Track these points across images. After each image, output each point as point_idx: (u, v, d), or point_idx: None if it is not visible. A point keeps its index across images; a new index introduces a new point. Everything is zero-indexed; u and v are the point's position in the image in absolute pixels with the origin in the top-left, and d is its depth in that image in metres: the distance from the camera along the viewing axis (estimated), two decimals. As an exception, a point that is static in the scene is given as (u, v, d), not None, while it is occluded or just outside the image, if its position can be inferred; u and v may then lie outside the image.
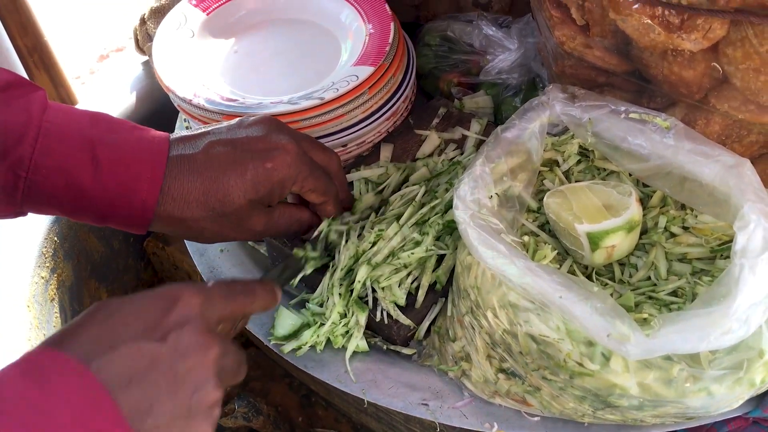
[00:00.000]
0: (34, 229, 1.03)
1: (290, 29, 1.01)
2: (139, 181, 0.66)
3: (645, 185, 0.78)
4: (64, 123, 0.65)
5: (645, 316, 0.66)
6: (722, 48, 0.64)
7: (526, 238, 0.72)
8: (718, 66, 0.65)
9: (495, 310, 0.66)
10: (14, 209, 0.66)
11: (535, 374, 0.67)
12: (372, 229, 0.79)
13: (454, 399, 0.74)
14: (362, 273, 0.76)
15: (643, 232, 0.75)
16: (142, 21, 1.18)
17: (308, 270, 0.76)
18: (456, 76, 1.04)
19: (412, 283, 0.78)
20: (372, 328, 0.79)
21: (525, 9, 0.97)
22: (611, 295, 0.69)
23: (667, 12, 0.63)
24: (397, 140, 0.93)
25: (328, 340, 0.77)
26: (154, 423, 0.49)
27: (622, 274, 0.74)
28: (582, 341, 0.62)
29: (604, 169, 0.80)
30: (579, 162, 0.81)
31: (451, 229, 0.79)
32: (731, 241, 0.68)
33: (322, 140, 0.86)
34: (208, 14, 0.99)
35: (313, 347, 0.77)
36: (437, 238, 0.79)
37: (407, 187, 0.85)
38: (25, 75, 1.18)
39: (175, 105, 0.94)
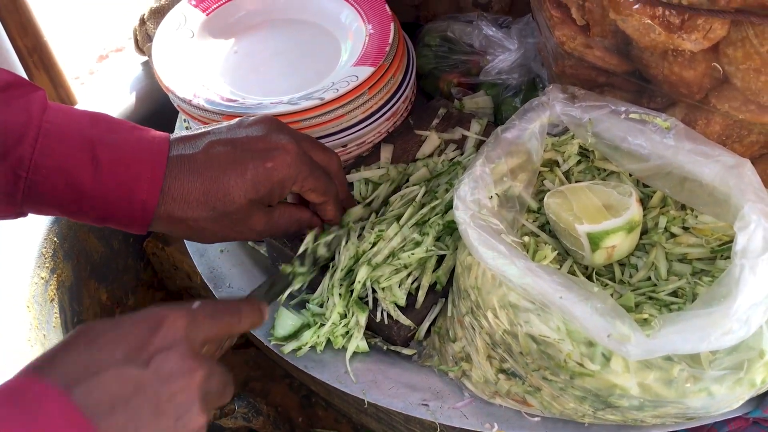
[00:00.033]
0: (33, 229, 1.03)
1: (290, 29, 1.01)
2: (139, 182, 0.66)
3: (645, 185, 0.78)
4: (64, 123, 0.65)
5: (645, 316, 0.66)
6: (723, 48, 0.64)
7: (526, 238, 0.72)
8: (718, 66, 0.65)
9: (495, 311, 0.66)
10: (14, 210, 0.66)
11: (536, 374, 0.67)
12: (372, 229, 0.79)
13: (454, 399, 0.74)
14: (362, 273, 0.76)
15: (644, 232, 0.75)
16: (142, 21, 1.18)
17: (296, 285, 0.75)
18: (456, 76, 1.04)
19: (412, 283, 0.78)
20: (372, 329, 0.79)
21: (525, 9, 0.97)
22: (611, 295, 0.69)
23: (667, 12, 0.63)
24: (397, 141, 0.93)
25: (329, 341, 0.77)
26: None
27: (623, 274, 0.74)
28: (582, 341, 0.62)
29: (605, 170, 0.80)
30: (579, 162, 0.81)
31: (451, 229, 0.79)
32: (731, 241, 0.68)
33: (322, 140, 0.86)
34: (207, 14, 0.99)
35: (313, 348, 0.77)
36: (437, 239, 0.79)
37: (407, 187, 0.85)
38: (24, 75, 1.18)
39: (175, 105, 0.94)
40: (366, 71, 0.87)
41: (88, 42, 1.84)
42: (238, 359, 1.22)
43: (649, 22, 0.64)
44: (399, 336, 0.77)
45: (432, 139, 0.92)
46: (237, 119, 0.73)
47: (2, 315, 0.94)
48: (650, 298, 0.70)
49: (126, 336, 0.52)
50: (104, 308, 1.15)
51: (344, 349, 0.77)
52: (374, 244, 0.78)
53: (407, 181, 0.88)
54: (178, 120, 1.07)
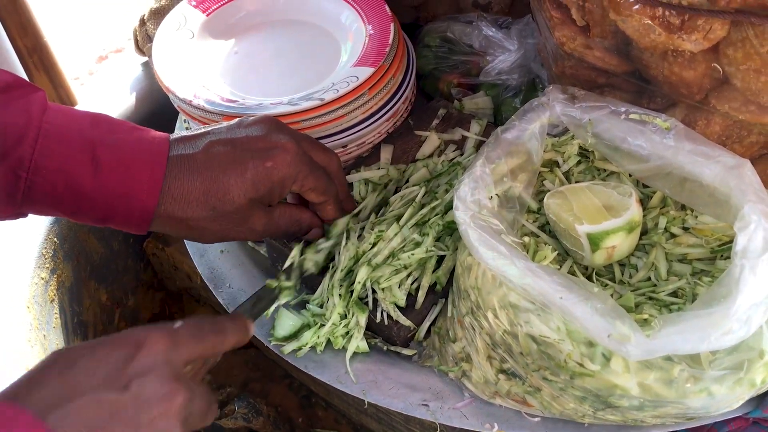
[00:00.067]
0: (33, 230, 1.03)
1: (290, 30, 1.01)
2: (139, 182, 0.66)
3: (645, 186, 0.78)
4: (64, 124, 0.65)
5: (645, 316, 0.66)
6: (723, 48, 0.64)
7: (526, 238, 0.72)
8: (718, 67, 0.65)
9: (495, 311, 0.66)
10: (14, 210, 0.66)
11: (536, 375, 0.67)
12: (372, 230, 0.79)
13: (454, 400, 0.74)
14: (362, 274, 0.76)
15: (644, 232, 0.75)
16: (142, 22, 1.17)
17: (282, 300, 0.75)
18: (456, 77, 1.04)
19: (412, 284, 0.78)
20: (372, 329, 0.79)
21: (525, 10, 0.97)
22: (611, 295, 0.70)
23: (667, 13, 0.63)
24: (397, 141, 0.93)
25: (329, 341, 0.77)
26: None
27: (623, 274, 0.74)
28: (582, 342, 0.62)
29: (604, 170, 0.80)
30: (579, 163, 0.81)
31: (451, 230, 0.79)
32: (731, 241, 0.68)
33: (322, 141, 0.86)
34: (207, 15, 0.99)
35: (313, 348, 0.77)
36: (437, 239, 0.79)
37: (407, 188, 0.85)
38: (24, 76, 1.18)
39: (175, 106, 0.94)
40: (366, 72, 0.87)
41: (88, 43, 1.84)
42: (238, 359, 1.22)
43: (649, 22, 0.64)
44: (399, 336, 0.77)
45: (432, 140, 0.92)
46: (236, 119, 0.73)
47: (2, 315, 0.94)
48: (650, 298, 0.70)
49: (103, 360, 0.51)
50: (104, 309, 1.15)
51: (344, 349, 0.77)
52: (374, 245, 0.78)
53: (407, 181, 0.88)
54: (178, 121, 1.07)
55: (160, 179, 0.66)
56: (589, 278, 0.73)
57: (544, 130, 0.76)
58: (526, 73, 0.99)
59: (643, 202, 0.77)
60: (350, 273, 0.78)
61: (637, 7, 0.64)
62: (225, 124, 0.72)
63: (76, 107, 1.05)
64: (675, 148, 0.69)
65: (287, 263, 0.76)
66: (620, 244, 0.70)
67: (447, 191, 0.83)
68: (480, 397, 0.73)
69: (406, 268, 0.77)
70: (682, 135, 0.69)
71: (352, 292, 0.76)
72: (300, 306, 0.82)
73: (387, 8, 0.95)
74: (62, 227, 1.06)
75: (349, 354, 0.77)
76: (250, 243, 0.93)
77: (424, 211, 0.80)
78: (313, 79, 0.92)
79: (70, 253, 1.07)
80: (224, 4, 1.00)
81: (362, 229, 0.81)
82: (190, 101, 0.87)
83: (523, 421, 0.72)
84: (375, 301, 0.77)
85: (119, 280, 1.19)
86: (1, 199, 0.65)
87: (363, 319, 0.76)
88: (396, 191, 0.87)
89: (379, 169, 0.89)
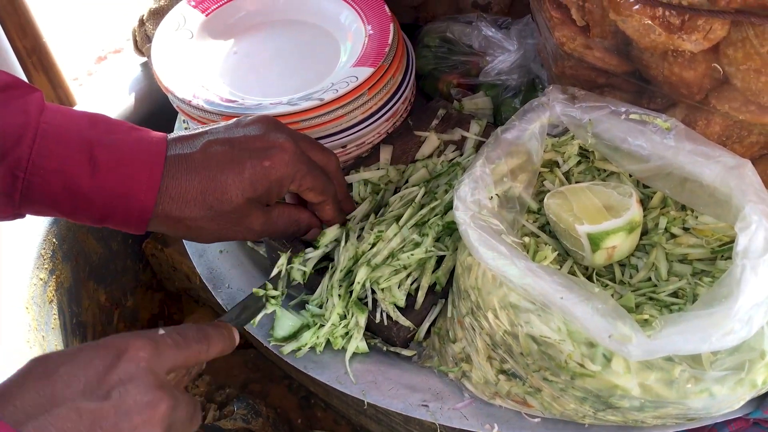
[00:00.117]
0: (32, 230, 1.03)
1: (290, 30, 1.01)
2: (137, 181, 0.65)
3: (645, 186, 0.78)
4: (62, 124, 0.65)
5: (646, 317, 0.65)
6: (723, 49, 0.64)
7: (526, 239, 0.72)
8: (718, 67, 0.65)
9: (496, 311, 0.66)
10: (12, 211, 0.66)
11: (536, 375, 0.66)
12: (371, 230, 0.79)
13: (454, 400, 0.74)
14: (362, 274, 0.76)
15: (644, 233, 0.75)
16: (141, 22, 1.17)
17: (269, 309, 0.75)
18: (455, 77, 1.04)
19: (411, 284, 0.78)
20: (372, 330, 0.79)
21: (524, 10, 0.97)
22: (611, 296, 0.69)
23: (667, 13, 0.63)
24: (397, 141, 0.93)
25: (328, 342, 0.77)
26: None
27: (623, 275, 0.73)
28: (583, 342, 0.62)
29: (605, 170, 0.80)
30: (579, 163, 0.80)
31: (450, 230, 0.79)
32: (732, 242, 0.68)
33: (321, 141, 0.86)
34: (207, 15, 0.99)
35: (312, 348, 0.77)
36: (437, 240, 0.79)
37: (407, 188, 0.85)
38: (24, 77, 1.18)
39: (174, 106, 0.94)
40: (365, 72, 0.87)
41: (87, 43, 1.84)
42: (238, 360, 1.22)
43: (649, 22, 0.64)
44: (398, 337, 0.77)
45: (431, 140, 0.92)
46: (234, 119, 0.73)
47: (1, 316, 0.94)
48: (650, 298, 0.70)
49: (84, 368, 0.50)
50: (103, 309, 1.15)
51: (344, 350, 0.77)
52: (374, 245, 0.78)
53: (407, 182, 0.88)
54: (177, 121, 1.07)
55: (158, 179, 0.66)
56: (590, 278, 0.73)
57: (544, 130, 0.76)
58: (525, 73, 0.99)
59: (644, 202, 0.77)
60: (350, 273, 0.77)
61: (637, 7, 0.64)
62: (223, 123, 0.72)
63: (75, 108, 1.05)
64: (675, 148, 0.69)
65: (274, 272, 0.76)
66: (620, 244, 0.70)
67: (446, 191, 0.83)
68: (480, 398, 0.73)
69: (405, 268, 0.77)
70: (682, 135, 0.69)
71: (351, 292, 0.76)
72: (299, 306, 0.81)
73: (386, 8, 0.95)
74: (61, 228, 1.06)
75: (348, 354, 0.76)
76: (249, 243, 0.93)
77: (424, 211, 0.80)
78: (313, 79, 0.92)
79: (68, 254, 1.07)
80: (223, 4, 1.00)
81: (362, 229, 0.80)
82: (189, 101, 0.87)
83: (524, 421, 0.72)
84: (374, 301, 0.77)
85: (118, 281, 1.19)
86: (-1, 199, 0.65)
87: (362, 320, 0.76)
88: (395, 191, 0.87)
89: (378, 169, 0.89)
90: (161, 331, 0.56)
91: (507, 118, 0.78)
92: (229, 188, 0.68)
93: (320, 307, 0.78)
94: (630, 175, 0.78)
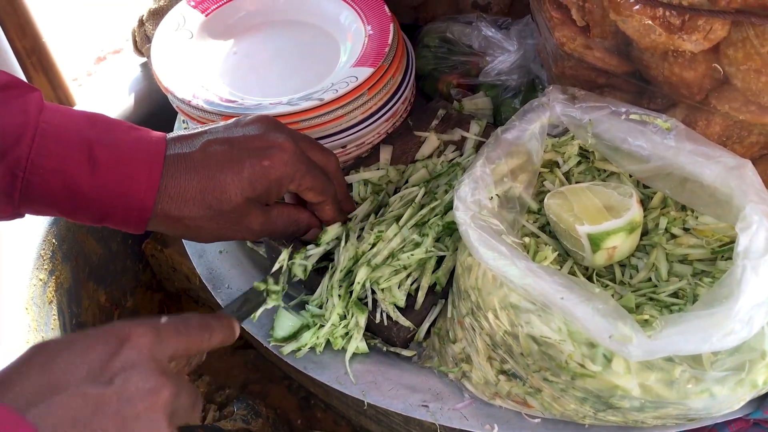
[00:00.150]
0: (32, 231, 1.03)
1: (289, 30, 1.01)
2: (136, 181, 0.65)
3: (646, 186, 0.78)
4: (61, 124, 0.65)
5: (646, 317, 0.65)
6: (723, 49, 0.64)
7: (526, 239, 0.72)
8: (718, 67, 0.65)
9: (496, 312, 0.66)
10: (12, 211, 0.66)
11: (536, 375, 0.66)
12: (371, 230, 0.79)
13: (454, 400, 0.74)
14: (362, 274, 0.76)
15: (644, 233, 0.75)
16: (141, 22, 1.17)
17: (269, 304, 0.74)
18: (455, 77, 1.04)
19: (411, 284, 0.77)
20: (372, 330, 0.79)
21: (524, 10, 0.97)
22: (612, 296, 0.69)
23: (667, 13, 0.63)
24: (397, 142, 0.93)
25: (328, 342, 0.77)
26: None
27: (623, 275, 0.73)
28: (584, 342, 0.62)
29: (605, 171, 0.80)
30: (579, 163, 0.80)
31: (450, 230, 0.79)
32: (732, 242, 0.68)
33: (321, 141, 0.86)
34: (207, 15, 0.99)
35: (312, 349, 0.77)
36: (437, 240, 0.79)
37: (407, 188, 0.85)
38: (23, 77, 1.18)
39: (174, 106, 0.94)
40: (365, 72, 0.87)
41: (86, 44, 1.83)
42: (237, 361, 1.22)
43: (650, 22, 0.64)
44: (398, 337, 0.77)
45: (431, 140, 0.92)
46: (234, 119, 0.73)
47: (1, 317, 0.94)
48: (651, 299, 0.70)
49: (86, 354, 0.50)
50: (103, 310, 1.15)
51: (344, 350, 0.77)
52: (374, 245, 0.78)
53: (407, 182, 0.87)
54: (177, 121, 1.07)
55: (157, 178, 0.66)
56: (590, 279, 0.73)
57: (544, 131, 0.75)
58: (525, 73, 0.99)
59: (644, 202, 0.77)
60: (349, 273, 0.77)
61: (637, 7, 0.64)
62: (222, 123, 0.72)
63: (75, 108, 1.04)
64: (675, 148, 0.69)
65: (275, 267, 0.76)
66: (621, 244, 0.70)
67: (446, 192, 0.83)
68: (480, 398, 0.73)
69: (405, 268, 0.77)
70: (682, 135, 0.69)
71: (351, 292, 0.76)
72: (299, 306, 0.81)
73: (386, 8, 0.95)
74: (60, 228, 1.06)
75: (348, 355, 0.76)
76: (249, 243, 0.93)
77: (424, 211, 0.80)
78: (313, 80, 0.92)
79: (68, 254, 1.07)
80: (223, 4, 1.00)
81: (362, 229, 0.80)
82: (189, 101, 0.87)
83: (524, 422, 0.71)
84: (374, 301, 0.76)
85: (118, 281, 1.18)
86: (-2, 199, 0.65)
87: (362, 320, 0.76)
88: (395, 192, 0.87)
89: (378, 169, 0.89)
90: (163, 319, 0.55)
91: (507, 118, 0.78)
92: (228, 188, 0.68)
93: (320, 307, 0.78)
94: (630, 176, 0.78)
